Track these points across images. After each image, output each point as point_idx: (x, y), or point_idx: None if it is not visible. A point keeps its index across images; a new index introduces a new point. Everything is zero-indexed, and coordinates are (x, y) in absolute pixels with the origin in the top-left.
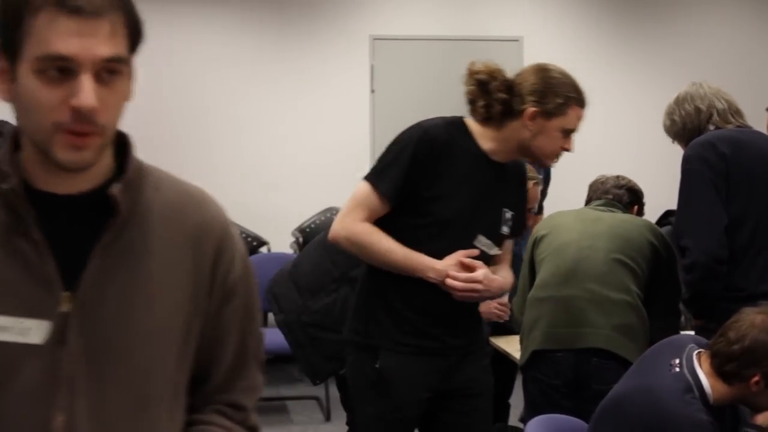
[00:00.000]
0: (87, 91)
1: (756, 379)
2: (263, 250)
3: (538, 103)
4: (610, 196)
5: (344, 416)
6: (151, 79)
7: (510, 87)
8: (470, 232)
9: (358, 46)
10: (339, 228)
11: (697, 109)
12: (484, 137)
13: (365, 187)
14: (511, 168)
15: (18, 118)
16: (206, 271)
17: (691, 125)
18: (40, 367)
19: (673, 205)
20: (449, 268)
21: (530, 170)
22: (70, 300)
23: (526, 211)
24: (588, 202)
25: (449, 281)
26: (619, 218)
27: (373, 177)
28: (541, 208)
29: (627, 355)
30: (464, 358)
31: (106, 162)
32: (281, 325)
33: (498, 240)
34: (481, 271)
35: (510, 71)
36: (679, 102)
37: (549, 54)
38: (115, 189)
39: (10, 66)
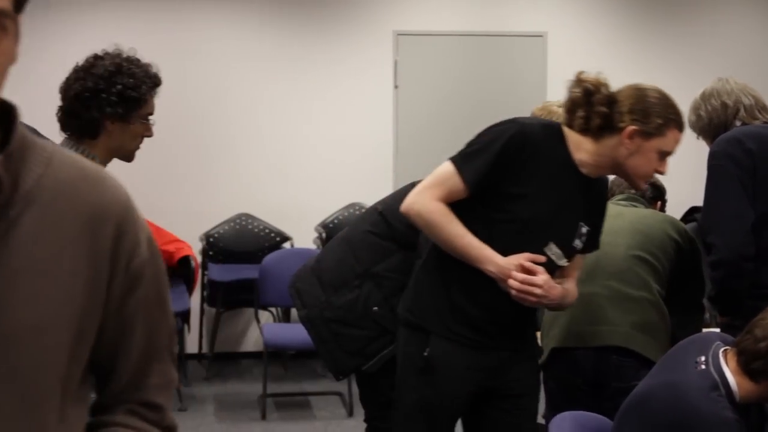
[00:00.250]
0: None
1: None
2: (286, 245)
3: (638, 122)
4: (633, 191)
5: None
6: (176, 77)
7: (612, 102)
8: (543, 237)
9: (381, 41)
10: (413, 201)
11: (724, 105)
12: (578, 147)
13: (449, 168)
14: (596, 184)
15: None
16: (105, 257)
17: (717, 121)
18: None
19: (695, 201)
20: (511, 267)
21: None
22: None
23: (601, 230)
24: (611, 197)
25: (509, 280)
26: (640, 214)
27: (459, 160)
28: None
29: (646, 352)
30: (513, 357)
31: None
32: (304, 321)
33: (568, 252)
34: (543, 277)
35: (533, 67)
36: (705, 97)
37: (572, 50)
38: None
39: None
